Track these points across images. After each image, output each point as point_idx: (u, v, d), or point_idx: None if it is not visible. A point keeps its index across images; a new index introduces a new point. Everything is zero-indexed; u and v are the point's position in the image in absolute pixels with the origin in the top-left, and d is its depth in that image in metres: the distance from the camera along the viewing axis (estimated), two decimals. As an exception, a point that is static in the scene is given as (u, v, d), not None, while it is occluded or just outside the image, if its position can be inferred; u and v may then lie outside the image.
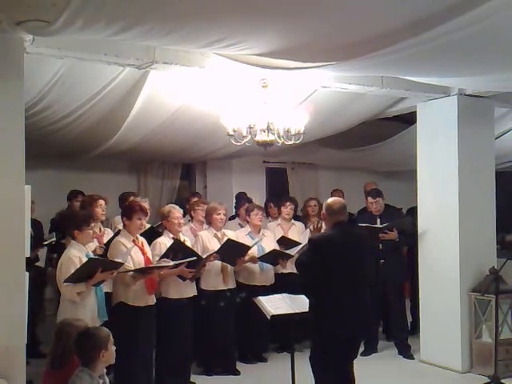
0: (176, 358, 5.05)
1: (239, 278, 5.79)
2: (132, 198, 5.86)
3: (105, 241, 5.12)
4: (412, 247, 6.40)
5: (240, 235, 5.86)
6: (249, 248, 5.56)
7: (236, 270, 5.69)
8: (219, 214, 5.60)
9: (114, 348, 3.25)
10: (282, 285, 5.72)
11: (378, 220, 6.21)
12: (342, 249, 4.04)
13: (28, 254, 3.92)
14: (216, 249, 5.37)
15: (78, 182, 6.91)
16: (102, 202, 5.45)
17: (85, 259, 4.23)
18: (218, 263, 5.47)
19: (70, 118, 5.52)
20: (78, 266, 4.13)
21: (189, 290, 5.11)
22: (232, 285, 5.64)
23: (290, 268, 5.99)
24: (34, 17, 3.38)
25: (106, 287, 4.64)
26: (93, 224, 4.70)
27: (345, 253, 4.04)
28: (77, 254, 4.23)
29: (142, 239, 4.81)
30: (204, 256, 5.14)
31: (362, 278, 4.12)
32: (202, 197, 7.70)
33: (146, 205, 5.26)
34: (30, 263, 4.80)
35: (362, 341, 4.57)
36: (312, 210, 6.73)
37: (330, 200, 4.29)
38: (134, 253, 4.59)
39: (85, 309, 4.16)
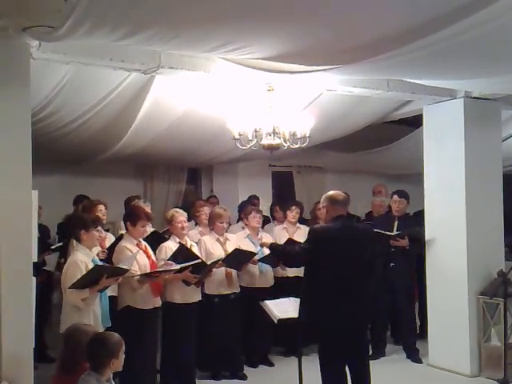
0: (181, 362, 5.05)
1: (240, 281, 5.78)
2: (134, 202, 5.84)
3: (107, 245, 5.12)
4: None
5: (239, 237, 5.87)
6: (255, 254, 5.58)
7: (239, 274, 5.69)
8: (222, 222, 5.62)
9: (123, 356, 3.21)
10: (282, 287, 5.74)
11: (396, 222, 6.18)
12: (339, 242, 4.06)
13: (35, 259, 3.93)
14: (219, 253, 5.41)
15: (85, 187, 6.93)
16: (101, 206, 5.45)
17: (91, 264, 4.22)
18: (221, 268, 5.46)
19: (77, 123, 5.54)
20: (84, 271, 4.12)
21: (194, 295, 5.11)
22: (236, 289, 5.64)
23: (289, 271, 5.98)
24: (39, 23, 3.39)
25: (109, 291, 4.62)
26: (99, 228, 4.71)
27: (342, 246, 4.05)
28: (83, 260, 4.22)
29: (144, 243, 4.82)
30: (209, 262, 5.14)
31: (358, 272, 4.10)
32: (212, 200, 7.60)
33: (147, 209, 5.26)
34: (38, 268, 4.81)
35: (356, 334, 4.17)
36: (321, 213, 6.68)
37: (333, 192, 4.35)
38: (139, 256, 4.60)
39: (89, 314, 4.15)
